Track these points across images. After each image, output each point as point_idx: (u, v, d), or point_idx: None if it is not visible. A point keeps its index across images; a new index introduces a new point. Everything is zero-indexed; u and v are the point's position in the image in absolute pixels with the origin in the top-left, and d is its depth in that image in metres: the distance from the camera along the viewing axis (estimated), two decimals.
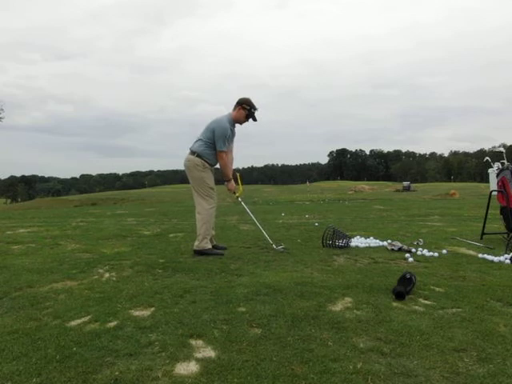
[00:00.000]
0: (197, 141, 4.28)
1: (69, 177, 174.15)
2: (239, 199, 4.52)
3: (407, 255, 4.01)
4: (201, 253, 4.11)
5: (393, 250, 4.36)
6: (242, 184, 4.61)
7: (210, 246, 4.20)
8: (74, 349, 1.90)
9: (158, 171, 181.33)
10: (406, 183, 52.59)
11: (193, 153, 4.23)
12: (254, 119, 4.38)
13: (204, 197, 4.20)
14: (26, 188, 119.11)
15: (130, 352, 1.86)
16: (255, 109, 4.34)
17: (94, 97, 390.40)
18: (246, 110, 4.29)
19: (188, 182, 4.31)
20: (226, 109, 4.46)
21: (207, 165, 4.23)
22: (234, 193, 4.46)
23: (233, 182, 4.39)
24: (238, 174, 4.55)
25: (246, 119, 4.35)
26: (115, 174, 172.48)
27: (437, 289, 2.87)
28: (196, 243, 4.17)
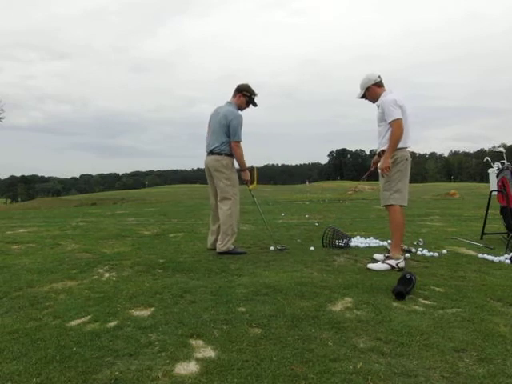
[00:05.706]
0: (216, 141, 4.16)
1: (69, 177, 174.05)
2: (251, 192, 4.49)
3: (407, 255, 4.01)
4: (227, 253, 4.10)
5: None
6: (258, 178, 4.60)
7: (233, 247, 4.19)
8: (74, 349, 1.91)
9: (158, 171, 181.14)
10: None
11: (219, 153, 4.15)
12: (255, 105, 4.38)
13: (231, 196, 4.17)
14: (25, 188, 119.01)
15: (130, 352, 1.87)
16: (255, 94, 4.34)
17: (92, 96, 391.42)
18: (246, 96, 4.29)
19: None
20: None
21: (234, 165, 4.25)
22: (247, 184, 4.42)
23: (248, 172, 4.37)
24: (255, 168, 4.54)
25: (247, 106, 4.35)
26: (115, 173, 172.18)
27: (437, 289, 2.87)
28: (221, 245, 4.13)
